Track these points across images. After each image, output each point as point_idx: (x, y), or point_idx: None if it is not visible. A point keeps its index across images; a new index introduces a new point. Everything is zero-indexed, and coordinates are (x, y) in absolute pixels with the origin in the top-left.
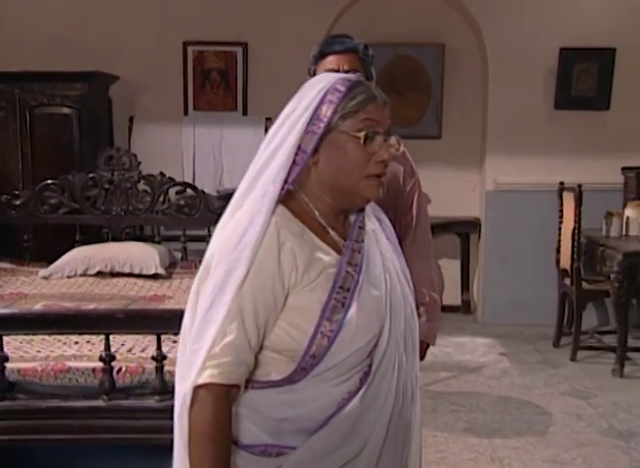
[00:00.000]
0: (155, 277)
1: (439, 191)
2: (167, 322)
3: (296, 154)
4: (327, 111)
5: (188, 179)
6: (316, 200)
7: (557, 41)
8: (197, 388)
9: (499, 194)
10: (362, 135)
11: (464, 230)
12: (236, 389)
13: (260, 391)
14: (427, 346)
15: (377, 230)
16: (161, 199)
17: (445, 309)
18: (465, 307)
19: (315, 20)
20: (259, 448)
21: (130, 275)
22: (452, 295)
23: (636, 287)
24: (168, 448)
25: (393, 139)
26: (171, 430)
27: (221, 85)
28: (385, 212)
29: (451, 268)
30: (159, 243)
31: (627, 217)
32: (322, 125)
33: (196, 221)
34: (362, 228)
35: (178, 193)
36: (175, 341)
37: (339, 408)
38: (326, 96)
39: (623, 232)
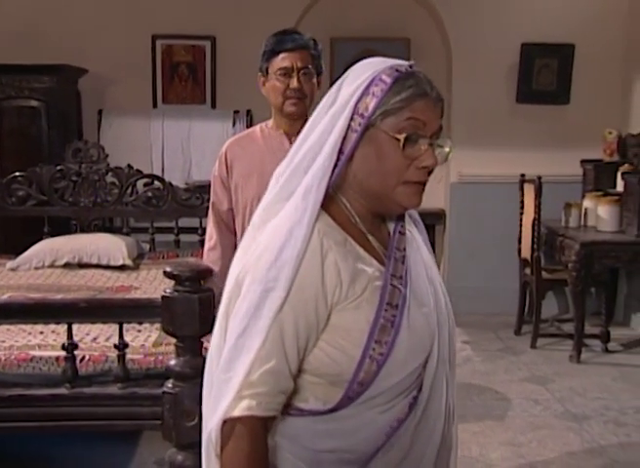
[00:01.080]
0: (123, 268)
1: None
2: (129, 311)
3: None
4: (369, 105)
5: (157, 172)
6: (354, 202)
7: (519, 36)
8: (231, 421)
9: (462, 186)
10: (402, 137)
11: (430, 221)
12: (272, 419)
13: (298, 419)
14: None
15: (415, 234)
16: (129, 191)
17: None
18: None
19: (283, 15)
20: None
21: (97, 266)
22: None
23: (593, 275)
24: (130, 434)
25: (447, 143)
26: (132, 417)
27: (190, 78)
28: None
29: None
30: (128, 234)
31: (585, 208)
32: (362, 121)
33: (164, 213)
34: (402, 234)
35: (145, 185)
36: (139, 331)
37: (387, 438)
38: (370, 86)
39: (582, 223)
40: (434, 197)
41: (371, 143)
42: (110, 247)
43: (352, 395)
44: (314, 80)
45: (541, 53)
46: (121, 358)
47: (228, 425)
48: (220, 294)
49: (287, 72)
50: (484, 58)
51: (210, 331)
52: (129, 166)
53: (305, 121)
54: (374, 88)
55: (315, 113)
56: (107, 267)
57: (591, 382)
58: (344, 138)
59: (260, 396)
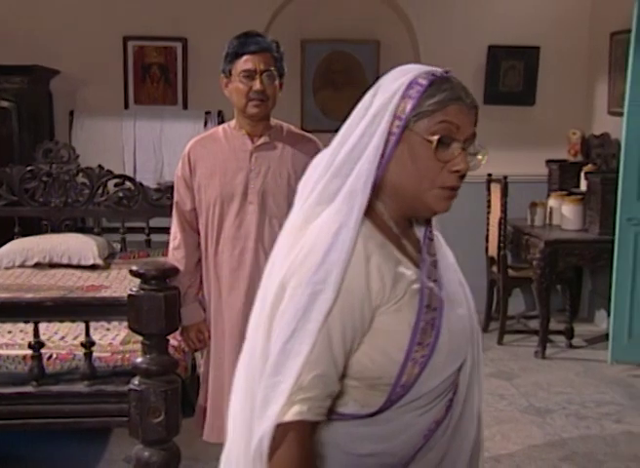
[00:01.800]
0: (93, 267)
1: None
2: (95, 309)
3: None
4: (405, 107)
5: (129, 172)
6: (388, 206)
7: (486, 39)
8: (282, 426)
9: None
10: (435, 139)
11: None
12: (317, 425)
13: (339, 423)
14: None
15: (441, 240)
16: (100, 191)
17: None
18: None
19: (253, 17)
20: None
21: (68, 266)
22: None
23: (558, 273)
24: (101, 432)
25: (481, 150)
26: (99, 414)
27: (162, 79)
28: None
29: None
30: (99, 234)
31: (550, 208)
32: (400, 123)
33: (135, 213)
34: (431, 239)
35: (116, 186)
36: (108, 329)
37: (426, 440)
38: (407, 90)
39: (547, 221)
40: None
41: (405, 146)
42: (81, 246)
43: (394, 398)
44: (277, 82)
45: (508, 55)
46: (88, 356)
47: (279, 430)
48: (186, 294)
49: (250, 74)
50: (452, 60)
51: (176, 328)
52: (100, 166)
53: (267, 122)
54: (410, 91)
55: (350, 119)
56: (78, 267)
57: (555, 377)
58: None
59: (311, 400)
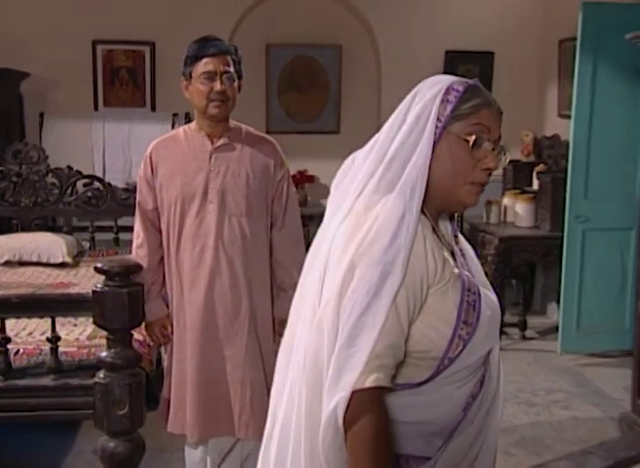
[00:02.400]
0: (63, 265)
1: None
2: (61, 305)
3: None
4: (444, 110)
5: (99, 173)
6: (426, 200)
7: (443, 44)
8: (359, 393)
9: None
10: (472, 138)
11: None
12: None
13: (389, 393)
14: None
15: (460, 235)
16: (69, 191)
17: None
18: None
19: (219, 22)
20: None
21: (38, 264)
22: None
23: (512, 268)
24: (70, 425)
25: (504, 151)
26: (65, 407)
27: (130, 82)
28: (258, 199)
29: None
30: (68, 233)
31: (505, 206)
32: (440, 124)
33: (103, 212)
34: (456, 236)
35: (85, 186)
36: (75, 325)
37: (465, 412)
38: (446, 94)
39: (501, 219)
40: None
41: (444, 144)
42: (50, 245)
43: (441, 370)
44: (236, 84)
45: (464, 60)
46: (54, 351)
47: (357, 397)
48: (149, 290)
49: (210, 76)
50: (411, 64)
51: (139, 323)
52: (69, 167)
53: (227, 123)
54: (449, 95)
55: (391, 120)
56: (47, 265)
57: (508, 367)
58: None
59: (386, 368)
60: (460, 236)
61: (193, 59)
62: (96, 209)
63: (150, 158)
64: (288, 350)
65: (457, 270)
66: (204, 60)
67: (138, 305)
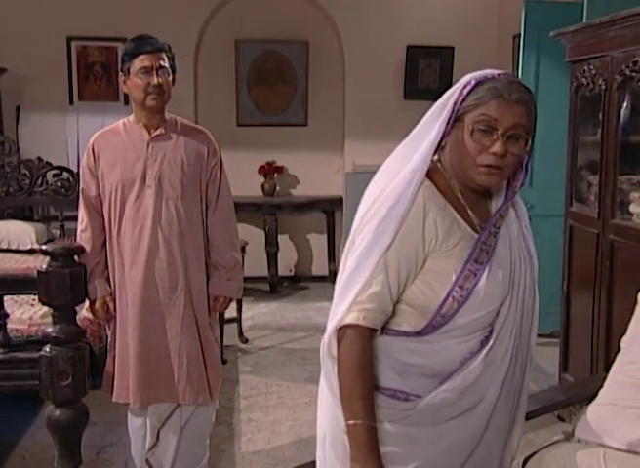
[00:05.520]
0: (31, 252)
1: (306, 173)
2: (8, 285)
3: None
4: (459, 101)
5: (73, 165)
6: (453, 179)
7: (404, 39)
8: (344, 328)
9: (357, 175)
10: (476, 127)
11: (329, 208)
12: (375, 333)
13: (393, 338)
14: (230, 300)
15: (513, 217)
16: (39, 182)
17: (314, 279)
18: (332, 276)
19: (189, 18)
20: (390, 392)
21: (7, 250)
22: (320, 266)
23: None
24: (35, 397)
25: (522, 137)
26: (14, 378)
27: (104, 77)
28: (193, 184)
29: (318, 242)
30: (39, 221)
31: None
32: (453, 115)
33: (72, 202)
34: (502, 217)
35: (55, 176)
36: (32, 305)
37: (461, 365)
38: (463, 88)
39: None
40: (333, 185)
41: (455, 132)
42: (20, 232)
43: (436, 324)
44: (170, 78)
45: (425, 54)
46: (2, 326)
47: (342, 331)
48: (93, 271)
49: (147, 71)
50: (374, 58)
51: (82, 301)
52: (39, 158)
53: (163, 115)
54: (464, 89)
55: (431, 111)
56: (17, 251)
57: None
58: (447, 129)
59: (367, 311)
60: (512, 216)
61: (131, 56)
62: (65, 198)
63: (92, 148)
64: None
65: (467, 243)
66: (141, 57)
67: (80, 284)
